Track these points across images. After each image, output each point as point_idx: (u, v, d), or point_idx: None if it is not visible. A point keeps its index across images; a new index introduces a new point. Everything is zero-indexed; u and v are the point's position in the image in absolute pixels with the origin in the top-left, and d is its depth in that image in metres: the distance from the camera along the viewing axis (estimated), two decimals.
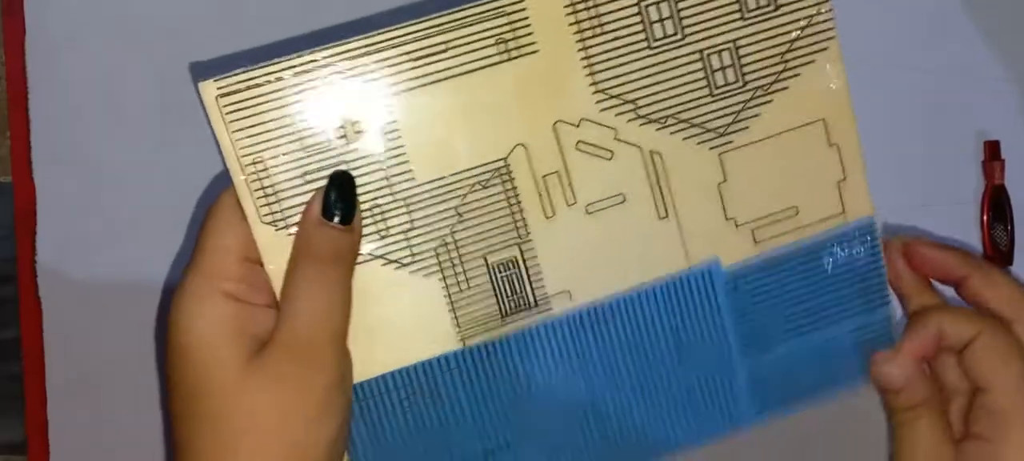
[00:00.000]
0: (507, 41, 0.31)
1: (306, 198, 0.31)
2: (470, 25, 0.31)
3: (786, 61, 0.33)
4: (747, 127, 0.33)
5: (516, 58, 0.32)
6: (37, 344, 0.45)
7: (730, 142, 0.33)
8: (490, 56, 0.31)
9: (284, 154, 0.31)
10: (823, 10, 0.33)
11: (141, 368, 0.46)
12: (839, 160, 0.34)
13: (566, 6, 0.32)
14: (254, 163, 0.31)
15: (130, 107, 0.45)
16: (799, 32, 0.33)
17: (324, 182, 0.31)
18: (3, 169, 0.45)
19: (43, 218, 0.45)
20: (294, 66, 0.30)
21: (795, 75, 0.33)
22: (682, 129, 0.33)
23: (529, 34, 0.32)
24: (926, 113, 0.44)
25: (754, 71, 0.33)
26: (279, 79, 0.30)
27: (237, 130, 0.30)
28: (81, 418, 0.46)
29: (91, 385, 0.46)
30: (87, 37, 0.45)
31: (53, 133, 0.45)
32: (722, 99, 0.33)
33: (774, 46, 0.33)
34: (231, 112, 0.30)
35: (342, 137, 0.31)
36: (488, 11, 0.31)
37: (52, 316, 0.45)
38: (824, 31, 0.33)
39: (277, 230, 0.31)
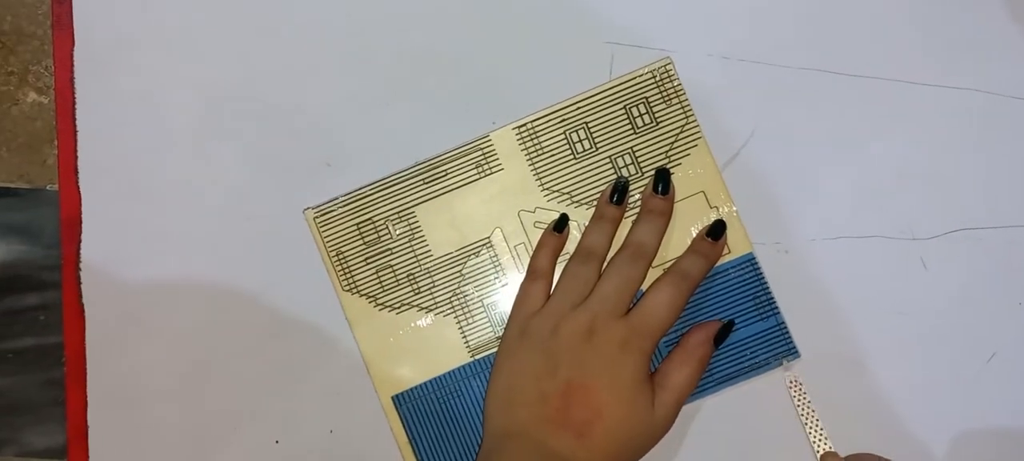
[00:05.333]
0: (482, 165, 0.49)
1: (368, 274, 0.49)
2: (460, 158, 0.49)
3: (670, 156, 0.49)
4: None
5: (490, 175, 0.49)
6: (79, 350, 0.45)
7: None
8: (473, 175, 0.49)
9: (352, 246, 0.50)
10: (690, 120, 0.49)
11: (181, 376, 0.46)
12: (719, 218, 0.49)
13: (517, 139, 0.49)
14: (338, 254, 0.50)
15: (175, 119, 0.46)
16: (675, 137, 0.49)
17: (379, 262, 0.49)
18: (49, 177, 0.46)
19: (88, 226, 0.46)
20: (357, 193, 0.50)
21: (678, 164, 0.49)
22: None
23: (496, 159, 0.49)
24: None
25: (649, 165, 0.49)
26: (345, 205, 0.50)
27: (326, 235, 0.50)
28: (121, 424, 0.46)
29: (131, 392, 0.46)
30: (134, 51, 0.46)
31: (99, 143, 0.46)
32: (630, 186, 0.49)
33: (660, 148, 0.49)
34: (322, 225, 0.50)
35: (387, 233, 0.50)
36: (469, 148, 0.49)
37: (95, 323, 0.46)
38: (693, 134, 0.49)
39: (352, 295, 0.50)
